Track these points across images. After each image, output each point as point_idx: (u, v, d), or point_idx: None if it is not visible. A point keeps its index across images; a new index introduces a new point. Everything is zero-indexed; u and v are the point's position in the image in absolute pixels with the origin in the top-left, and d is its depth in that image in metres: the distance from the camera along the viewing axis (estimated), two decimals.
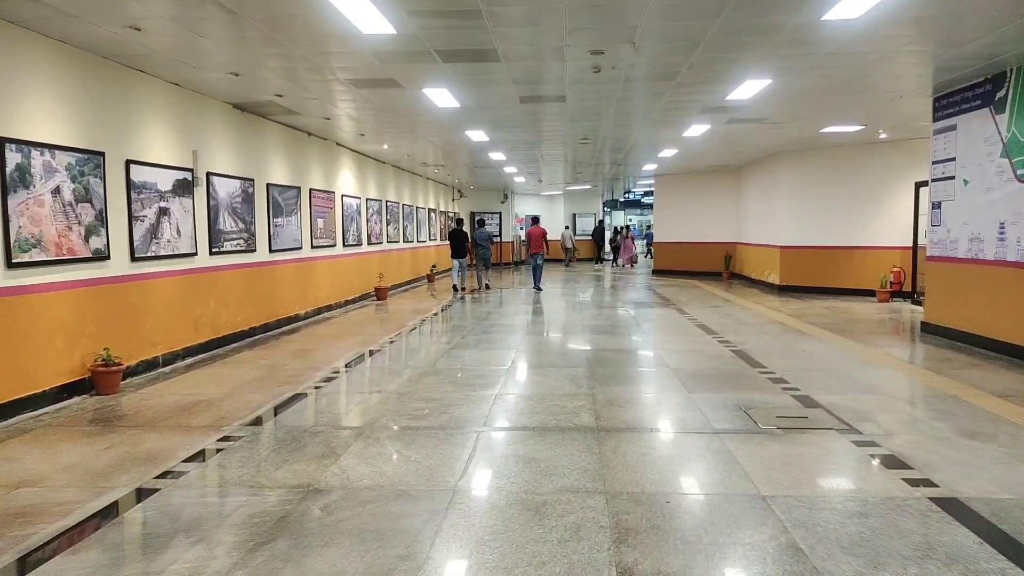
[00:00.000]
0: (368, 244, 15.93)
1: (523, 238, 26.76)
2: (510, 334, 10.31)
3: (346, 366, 7.95)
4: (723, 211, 21.14)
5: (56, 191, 6.32)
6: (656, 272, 22.85)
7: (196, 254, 8.71)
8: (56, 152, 6.31)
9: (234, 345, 9.41)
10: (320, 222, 12.95)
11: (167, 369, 7.88)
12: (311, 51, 7.00)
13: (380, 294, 15.60)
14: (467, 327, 11.05)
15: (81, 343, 6.71)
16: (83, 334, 6.74)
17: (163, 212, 8.01)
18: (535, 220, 18.69)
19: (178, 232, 8.30)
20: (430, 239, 22.43)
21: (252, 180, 10.17)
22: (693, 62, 7.56)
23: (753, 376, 7.12)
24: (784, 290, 16.19)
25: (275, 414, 5.91)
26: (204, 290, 8.92)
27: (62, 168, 6.39)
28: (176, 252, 8.27)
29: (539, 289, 17.21)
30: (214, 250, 9.13)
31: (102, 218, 6.95)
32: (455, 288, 17.30)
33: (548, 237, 18.21)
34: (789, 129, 12.42)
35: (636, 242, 31.08)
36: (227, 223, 9.47)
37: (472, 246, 17.75)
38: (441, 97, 9.26)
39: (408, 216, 19.65)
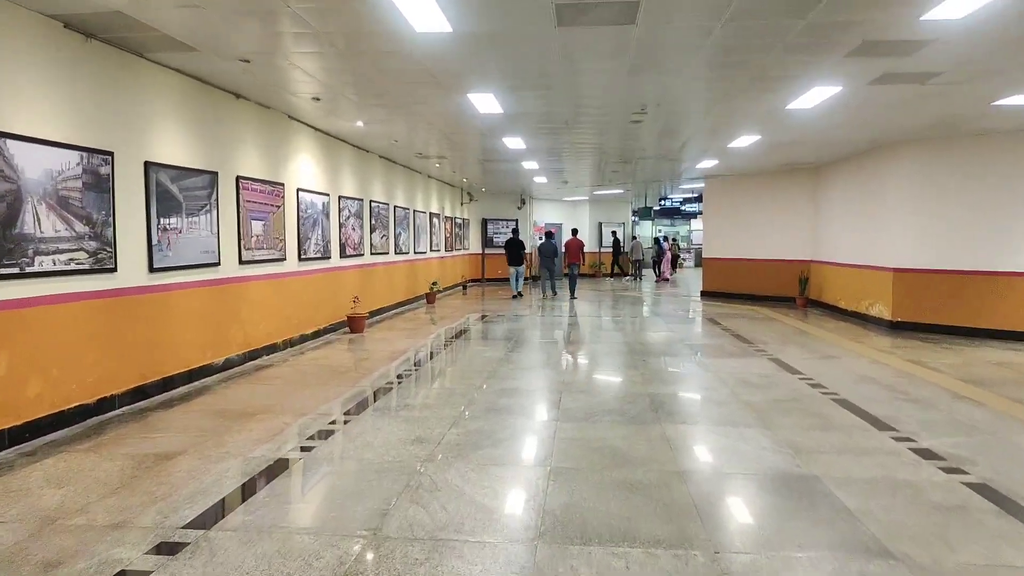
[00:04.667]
0: (342, 257, 11.88)
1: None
2: (532, 415, 6.20)
3: (173, 551, 3.81)
4: (794, 221, 16.89)
5: None
6: (705, 295, 18.64)
7: None
8: None
9: (50, 438, 5.36)
10: (257, 226, 8.90)
11: None
12: None
13: (354, 325, 11.53)
14: (465, 392, 6.94)
15: None
16: None
17: None
18: (574, 232, 19.42)
19: None
20: (431, 250, 18.36)
21: (108, 155, 6.12)
22: None
23: None
24: (899, 327, 11.96)
25: None
26: None
27: None
28: None
29: (574, 298, 18.03)
30: (7, 269, 5.09)
31: None
32: (514, 295, 18.44)
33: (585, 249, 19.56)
34: (955, 97, 8.23)
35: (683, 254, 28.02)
36: (46, 224, 5.42)
37: (539, 257, 18.82)
38: (420, 8, 5.20)
39: (402, 221, 15.60)
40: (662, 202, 30.91)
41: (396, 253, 15.17)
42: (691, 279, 26.44)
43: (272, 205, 9.31)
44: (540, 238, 25.71)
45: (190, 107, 7.44)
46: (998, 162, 10.94)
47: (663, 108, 9.13)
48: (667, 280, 26.12)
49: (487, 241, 24.37)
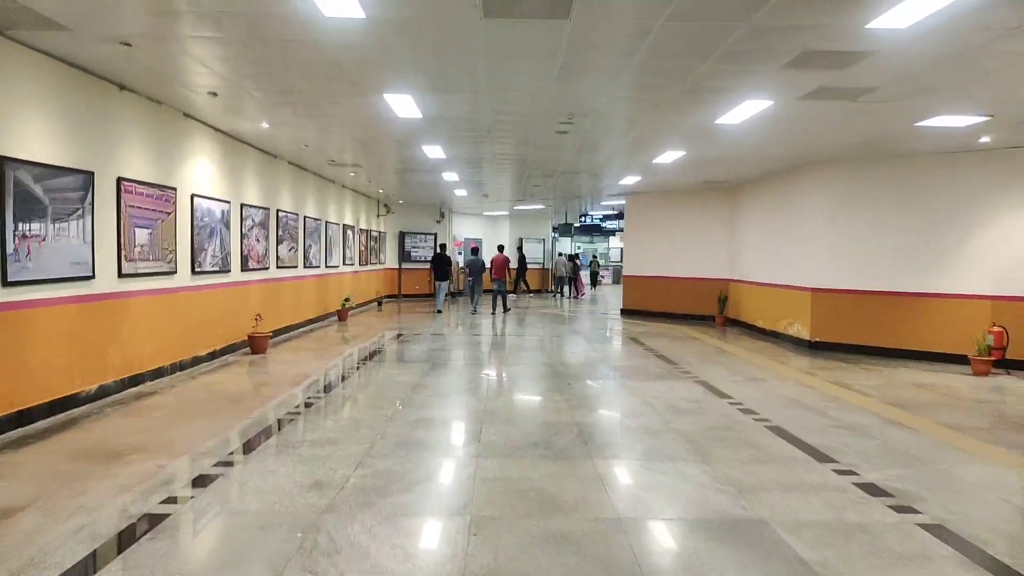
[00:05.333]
0: (243, 270, 10.92)
1: (461, 264, 23.27)
2: (450, 451, 5.58)
3: None
4: (713, 240, 16.94)
5: None
6: (625, 312, 18.46)
7: None
8: None
9: None
10: (143, 235, 7.94)
11: None
12: None
13: (256, 345, 10.59)
14: (374, 424, 6.22)
15: None
16: None
17: None
18: (500, 248, 19.42)
19: None
20: (344, 263, 17.44)
21: None
22: None
23: None
24: (817, 347, 11.96)
25: None
26: None
27: None
28: None
29: (507, 310, 18.77)
30: None
31: None
32: (438, 311, 18.18)
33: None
34: (882, 116, 8.16)
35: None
36: None
37: (467, 272, 19.42)
38: None
39: (312, 233, 14.68)
40: (582, 218, 30.91)
41: (306, 267, 14.23)
42: (610, 296, 26.43)
43: (161, 211, 8.35)
44: (460, 252, 25.24)
45: (62, 97, 6.48)
46: (917, 185, 11.10)
47: (590, 118, 8.74)
48: (582, 296, 26.01)
49: (404, 255, 23.57)
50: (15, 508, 4.11)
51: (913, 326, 11.16)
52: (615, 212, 27.75)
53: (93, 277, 6.97)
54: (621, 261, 29.17)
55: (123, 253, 7.51)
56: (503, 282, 18.68)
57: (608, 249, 41.91)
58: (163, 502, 4.27)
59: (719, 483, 4.80)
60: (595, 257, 33.65)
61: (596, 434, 6.10)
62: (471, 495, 4.48)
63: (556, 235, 32.47)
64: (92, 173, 6.92)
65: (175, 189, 8.66)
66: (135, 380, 7.75)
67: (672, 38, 5.57)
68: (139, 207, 7.82)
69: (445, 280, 18.61)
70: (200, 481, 4.68)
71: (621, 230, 26.96)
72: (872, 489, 4.74)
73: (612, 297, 25.58)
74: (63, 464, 4.99)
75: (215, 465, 5.04)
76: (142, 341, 7.91)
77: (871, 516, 4.25)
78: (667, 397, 7.69)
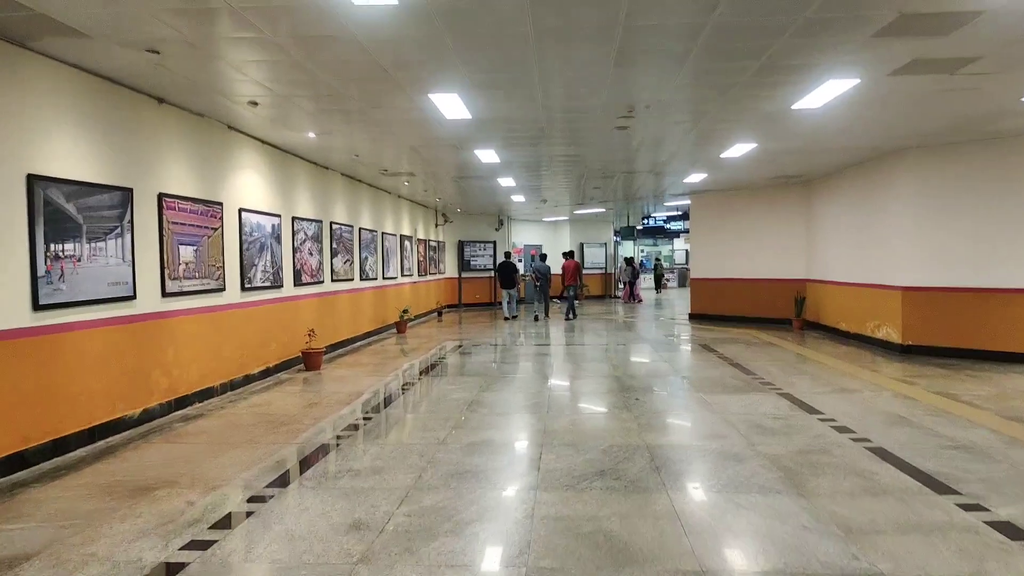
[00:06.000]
0: (296, 285, 10.63)
1: (522, 272, 22.69)
2: (506, 482, 4.98)
3: None
4: (788, 239, 15.90)
5: None
6: (694, 317, 17.54)
7: None
8: None
9: None
10: (187, 252, 7.66)
11: None
12: None
13: (310, 361, 10.27)
14: (424, 450, 5.70)
15: None
16: None
17: None
18: (569, 255, 19.46)
19: None
20: (403, 275, 17.13)
21: None
22: None
23: None
24: (910, 352, 10.90)
25: None
26: None
27: None
28: None
29: (573, 317, 18.12)
30: None
31: None
32: (506, 318, 18.27)
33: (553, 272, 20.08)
34: (982, 90, 7.21)
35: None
36: None
37: (532, 278, 19.09)
38: None
39: (368, 245, 14.38)
40: (645, 221, 29.97)
41: (362, 279, 13.94)
42: (676, 300, 25.44)
43: (207, 228, 8.07)
44: (520, 260, 24.70)
45: (96, 112, 6.22)
46: (1017, 168, 9.98)
47: (653, 110, 8.05)
48: (640, 301, 24.98)
49: (464, 264, 23.20)
50: (22, 556, 3.73)
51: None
52: (679, 213, 26.77)
53: (134, 297, 6.70)
54: (687, 263, 28.15)
55: (167, 271, 7.24)
56: (574, 287, 18.59)
57: (672, 251, 40.73)
58: (183, 548, 3.83)
59: (821, 522, 4.06)
60: (659, 260, 32.61)
61: (670, 460, 5.41)
62: (528, 539, 3.88)
63: (618, 239, 31.62)
64: (131, 190, 6.65)
65: (221, 204, 8.39)
66: (182, 402, 7.47)
67: (742, 10, 4.88)
68: (183, 223, 7.55)
69: (513, 288, 18.52)
70: (228, 522, 4.23)
71: (686, 231, 25.95)
72: (1011, 530, 3.93)
73: (679, 301, 24.61)
74: (86, 501, 4.63)
75: (248, 501, 4.59)
76: (189, 362, 7.63)
77: (1018, 567, 3.46)
78: (749, 413, 6.92)
